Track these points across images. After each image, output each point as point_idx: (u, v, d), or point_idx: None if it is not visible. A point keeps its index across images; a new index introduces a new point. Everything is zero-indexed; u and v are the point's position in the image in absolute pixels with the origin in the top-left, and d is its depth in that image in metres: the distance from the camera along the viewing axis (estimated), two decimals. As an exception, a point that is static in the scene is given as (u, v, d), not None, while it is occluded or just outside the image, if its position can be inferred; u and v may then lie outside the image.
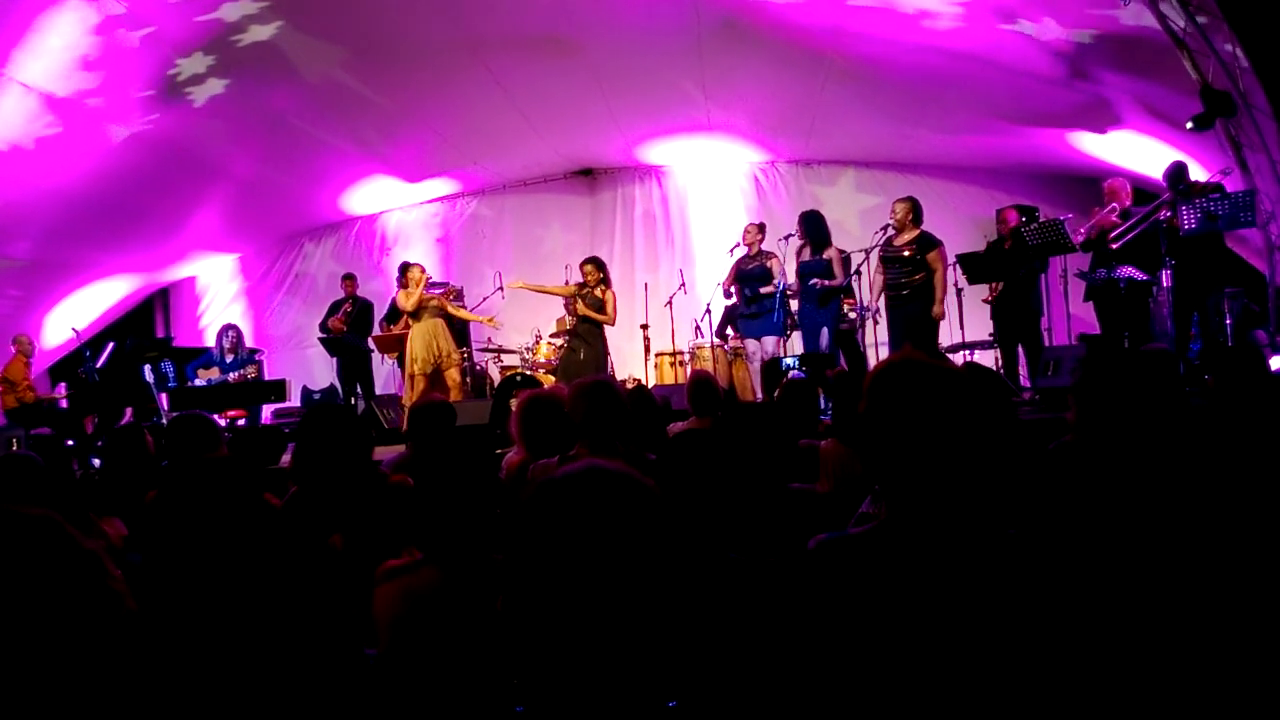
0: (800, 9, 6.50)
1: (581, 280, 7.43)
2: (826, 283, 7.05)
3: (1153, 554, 1.55)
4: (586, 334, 7.33)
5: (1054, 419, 4.64)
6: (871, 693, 1.23)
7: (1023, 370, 7.01)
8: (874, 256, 7.05)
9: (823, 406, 4.74)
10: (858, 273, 7.22)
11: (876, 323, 7.47)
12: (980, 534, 1.26)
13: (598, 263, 7.46)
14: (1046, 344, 7.12)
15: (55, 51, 5.88)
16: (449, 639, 1.69)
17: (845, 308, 7.50)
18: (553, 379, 7.85)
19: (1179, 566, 1.53)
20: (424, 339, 7.40)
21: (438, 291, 7.89)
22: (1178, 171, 6.28)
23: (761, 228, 7.50)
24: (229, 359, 8.60)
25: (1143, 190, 8.16)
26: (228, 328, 9.01)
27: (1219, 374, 3.40)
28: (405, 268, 7.67)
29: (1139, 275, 6.23)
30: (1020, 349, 6.98)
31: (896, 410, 1.29)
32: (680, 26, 6.84)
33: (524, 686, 0.97)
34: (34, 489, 2.79)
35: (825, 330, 7.14)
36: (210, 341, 9.75)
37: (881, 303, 7.05)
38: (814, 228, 7.23)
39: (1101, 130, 7.58)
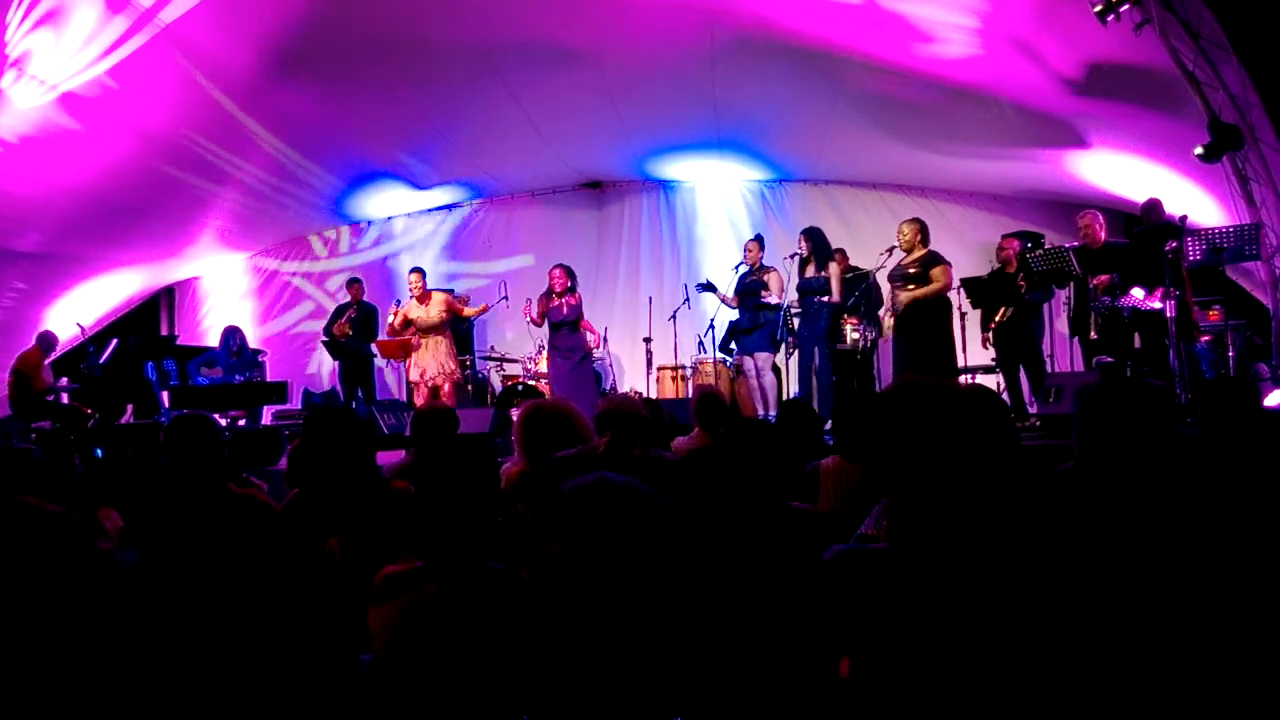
0: (814, 31, 6.54)
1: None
2: (826, 299, 7.05)
3: (1144, 582, 1.56)
4: None
5: (1056, 445, 4.64)
6: (879, 707, 1.23)
7: (1026, 394, 6.98)
8: (882, 278, 7.04)
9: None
10: (868, 291, 7.19)
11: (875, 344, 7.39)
12: (991, 555, 1.26)
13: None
14: (1049, 370, 7.08)
15: (73, 48, 5.92)
16: (446, 647, 1.68)
17: (847, 328, 7.45)
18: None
19: (1169, 593, 1.54)
20: (433, 354, 7.86)
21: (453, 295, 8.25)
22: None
23: (760, 243, 7.49)
24: (233, 360, 8.62)
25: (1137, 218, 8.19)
26: (231, 330, 9.01)
27: (1208, 408, 3.37)
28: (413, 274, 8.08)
29: (1144, 304, 6.23)
30: (1023, 373, 6.95)
31: (913, 429, 1.30)
32: (694, 43, 6.87)
33: (531, 693, 0.97)
34: (33, 483, 2.78)
35: (817, 350, 7.12)
36: (212, 341, 9.75)
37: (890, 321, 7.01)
38: (820, 243, 7.23)
39: (1108, 158, 7.61)
